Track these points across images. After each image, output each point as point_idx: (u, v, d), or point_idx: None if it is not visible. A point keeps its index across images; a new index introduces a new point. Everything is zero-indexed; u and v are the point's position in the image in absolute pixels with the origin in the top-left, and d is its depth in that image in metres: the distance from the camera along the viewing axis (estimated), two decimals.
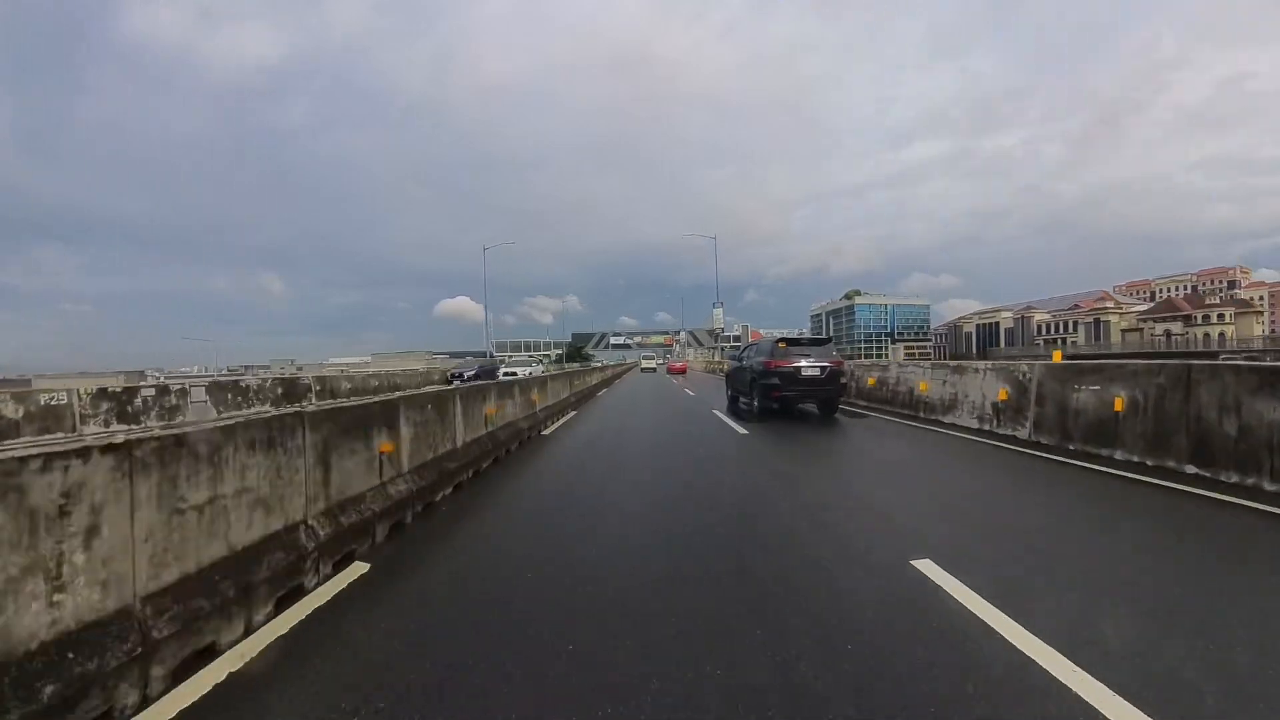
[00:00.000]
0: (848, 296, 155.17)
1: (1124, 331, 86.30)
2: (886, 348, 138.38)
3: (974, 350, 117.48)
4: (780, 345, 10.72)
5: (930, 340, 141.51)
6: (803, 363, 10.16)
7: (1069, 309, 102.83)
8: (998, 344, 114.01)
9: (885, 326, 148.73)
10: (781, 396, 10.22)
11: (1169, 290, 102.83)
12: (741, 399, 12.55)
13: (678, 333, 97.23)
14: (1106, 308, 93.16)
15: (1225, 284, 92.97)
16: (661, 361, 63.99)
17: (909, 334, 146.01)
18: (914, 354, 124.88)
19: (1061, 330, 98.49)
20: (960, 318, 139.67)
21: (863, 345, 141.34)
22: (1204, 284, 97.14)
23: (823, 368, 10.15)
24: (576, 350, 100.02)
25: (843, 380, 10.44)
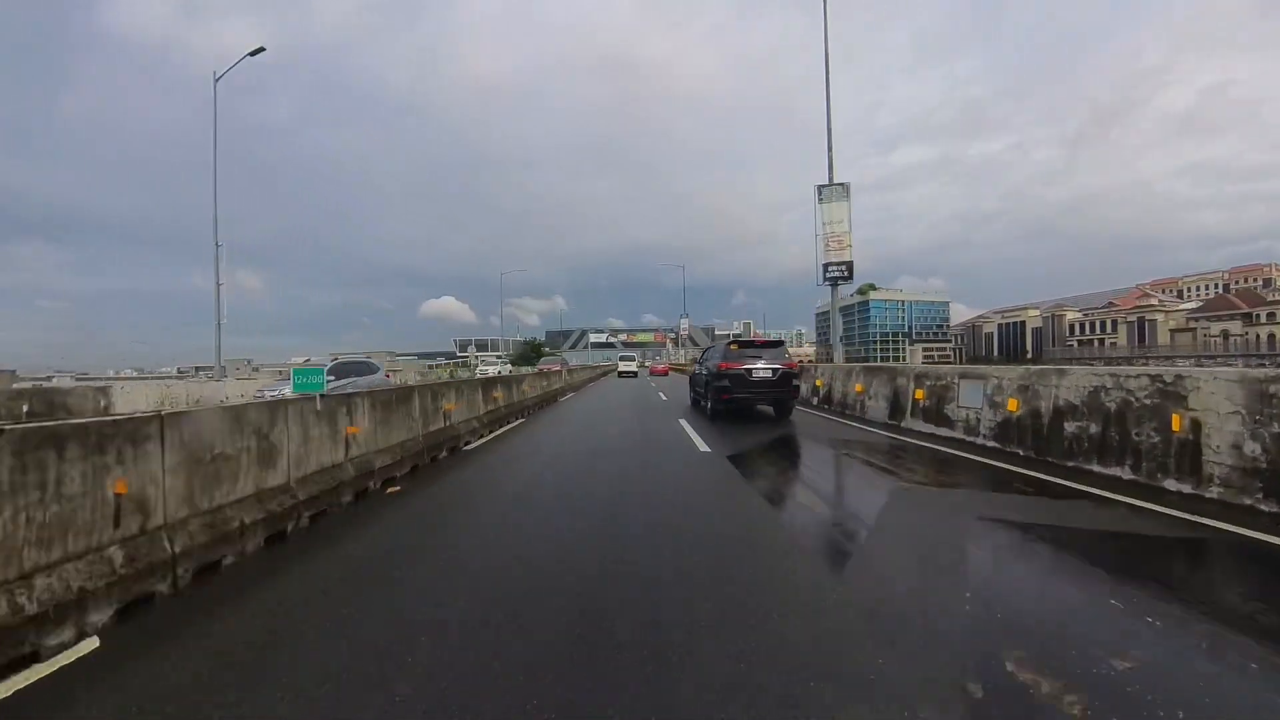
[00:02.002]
0: (861, 292, 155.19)
1: (1173, 331, 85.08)
2: (904, 348, 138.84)
3: (995, 352, 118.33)
4: (732, 348, 11.49)
5: (950, 341, 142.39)
6: (754, 365, 10.91)
7: (1103, 307, 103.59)
8: (1023, 346, 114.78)
9: (902, 325, 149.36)
10: (731, 399, 10.98)
11: (1198, 289, 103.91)
12: (701, 401, 13.42)
13: (672, 330, 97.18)
14: (1151, 305, 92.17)
15: (1260, 282, 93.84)
16: (647, 364, 59.70)
17: (927, 334, 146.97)
18: (933, 356, 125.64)
19: (1098, 330, 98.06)
20: (979, 316, 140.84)
21: (878, 345, 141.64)
22: (1235, 282, 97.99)
23: (774, 370, 10.90)
24: (535, 350, 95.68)
25: (795, 383, 11.18)
